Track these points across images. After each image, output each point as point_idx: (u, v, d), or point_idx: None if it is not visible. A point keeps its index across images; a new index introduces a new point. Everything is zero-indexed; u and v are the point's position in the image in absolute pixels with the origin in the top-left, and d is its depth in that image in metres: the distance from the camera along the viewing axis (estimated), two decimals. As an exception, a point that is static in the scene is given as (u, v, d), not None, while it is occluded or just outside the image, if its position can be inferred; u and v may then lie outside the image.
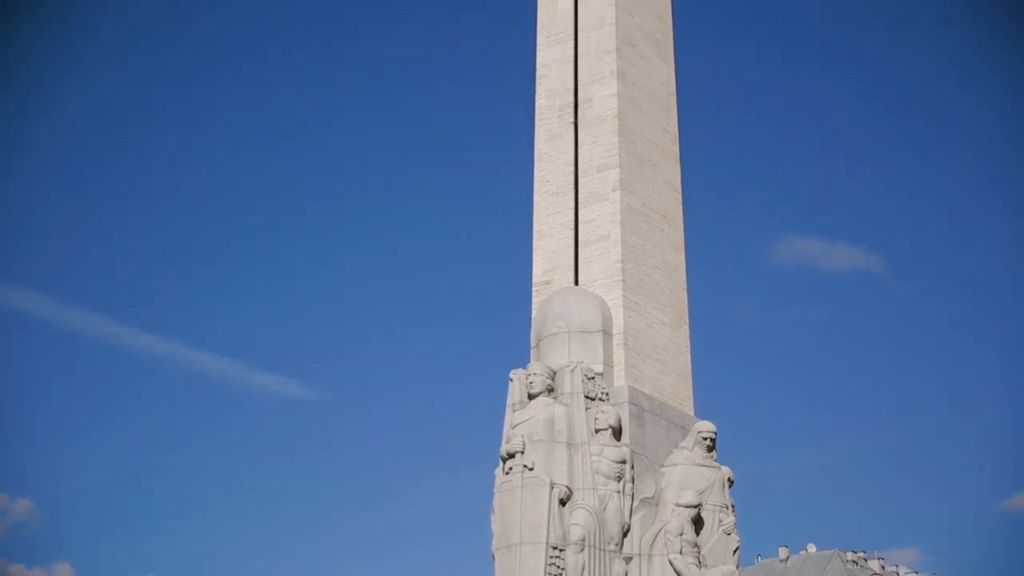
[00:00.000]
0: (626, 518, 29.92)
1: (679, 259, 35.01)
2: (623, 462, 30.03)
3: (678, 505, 30.44)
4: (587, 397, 30.48)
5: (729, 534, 31.17)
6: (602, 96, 34.57)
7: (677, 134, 36.22)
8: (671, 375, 33.48)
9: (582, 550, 28.93)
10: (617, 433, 30.36)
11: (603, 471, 29.75)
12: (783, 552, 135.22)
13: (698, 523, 30.71)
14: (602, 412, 30.33)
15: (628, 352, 32.06)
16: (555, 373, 30.84)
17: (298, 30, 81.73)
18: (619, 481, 29.92)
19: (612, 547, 29.53)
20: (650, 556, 30.10)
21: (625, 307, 32.44)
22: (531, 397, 30.55)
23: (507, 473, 29.78)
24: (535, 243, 34.48)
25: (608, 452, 29.94)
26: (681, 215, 35.50)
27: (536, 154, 35.28)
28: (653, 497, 30.70)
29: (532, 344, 32.54)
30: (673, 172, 35.66)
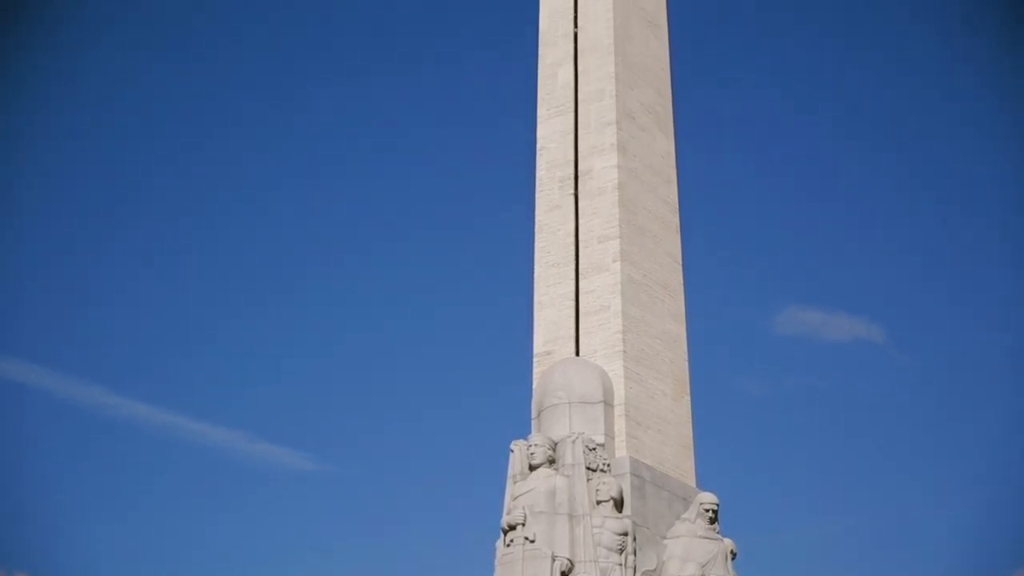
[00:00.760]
0: (628, 591, 29.61)
1: (680, 329, 35.01)
2: (625, 534, 29.81)
3: (681, 578, 30.17)
4: (588, 468, 30.32)
5: (731, 607, 30.85)
6: (602, 168, 34.80)
7: (677, 205, 36.39)
8: (673, 446, 33.34)
9: (584, 623, 28.64)
10: (619, 505, 30.16)
11: (605, 543, 29.51)
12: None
13: (701, 596, 30.40)
14: (604, 483, 30.15)
15: (629, 423, 31.95)
16: (556, 444, 30.71)
17: (297, 103, 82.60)
18: (621, 553, 29.66)
19: (614, 620, 29.22)
20: (653, 630, 29.79)
21: (626, 378, 32.39)
22: (532, 468, 30.39)
23: (508, 545, 29.56)
24: (536, 314, 34.51)
25: (610, 524, 29.72)
26: (682, 285, 35.56)
27: (537, 225, 35.43)
28: (655, 570, 30.41)
29: (533, 415, 32.44)
30: (673, 243, 35.78)
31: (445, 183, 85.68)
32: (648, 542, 30.56)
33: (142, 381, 77.82)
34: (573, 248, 34.51)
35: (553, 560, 28.87)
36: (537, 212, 35.54)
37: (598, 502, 29.94)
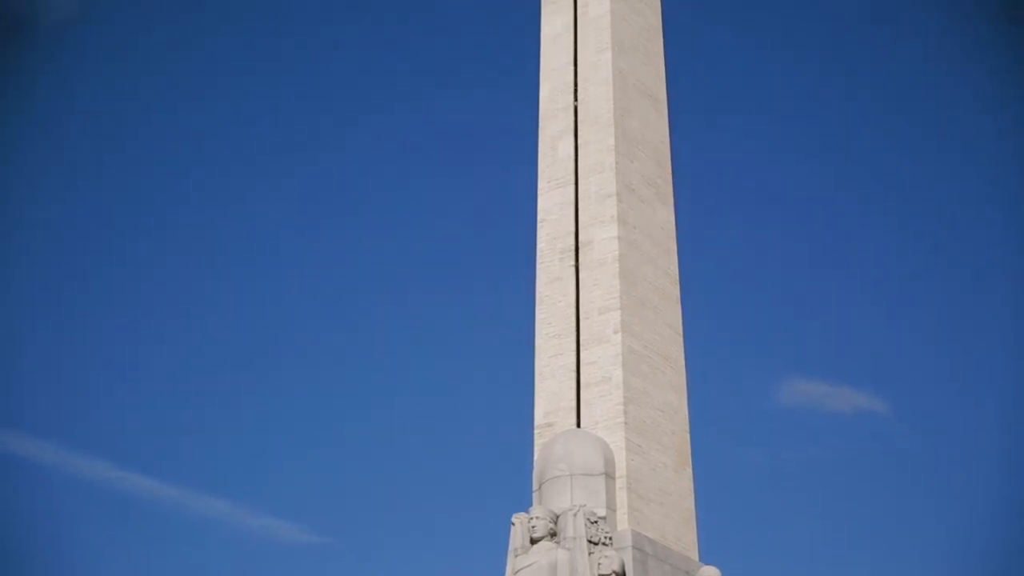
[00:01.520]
0: (631, 667, 29.26)
1: (681, 401, 34.91)
2: (627, 608, 29.50)
3: (684, 653, 29.82)
4: (590, 542, 30.07)
5: None
6: (603, 239, 34.92)
7: (678, 277, 36.47)
8: (675, 519, 33.09)
9: None
10: (621, 578, 29.87)
11: (607, 617, 29.20)
12: None
13: (704, 672, 30.03)
14: (605, 557, 29.88)
15: (631, 495, 31.74)
16: (558, 517, 30.48)
17: (300, 178, 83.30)
18: (624, 627, 29.34)
19: None
20: None
21: (628, 450, 32.23)
22: (533, 542, 30.14)
23: (510, 620, 29.24)
24: (536, 385, 34.43)
25: (612, 598, 29.43)
26: (683, 357, 35.52)
27: (537, 296, 35.48)
28: (658, 645, 30.08)
29: (534, 487, 32.24)
30: (674, 314, 35.80)
31: (445, 254, 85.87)
32: (651, 617, 30.23)
33: (143, 455, 77.46)
34: (574, 319, 34.52)
35: (555, 635, 28.53)
36: (538, 283, 35.61)
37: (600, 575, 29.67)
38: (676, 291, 36.25)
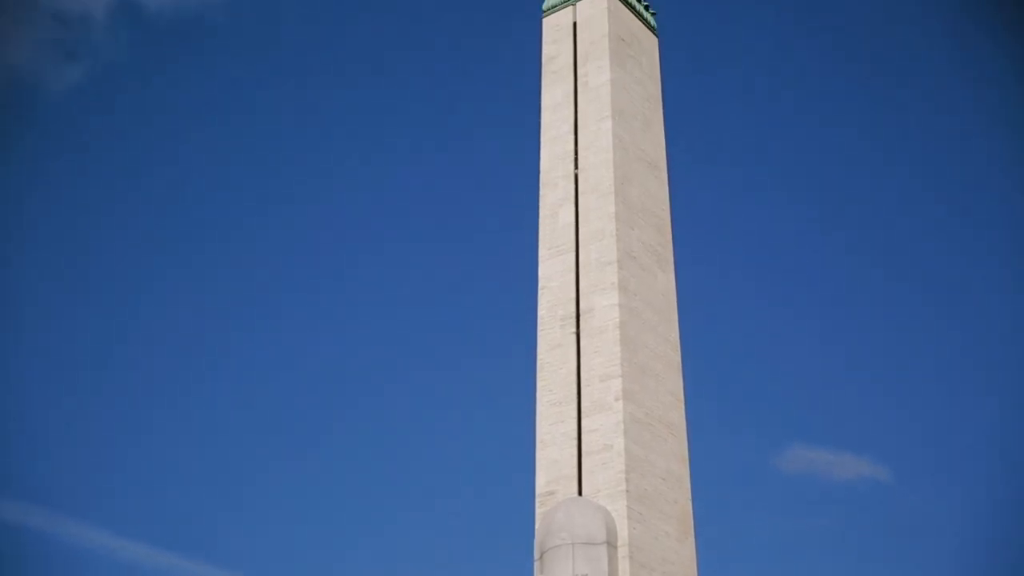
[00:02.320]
0: None
1: (683, 469, 34.73)
2: None
3: None
4: (592, 612, 29.78)
5: None
6: (604, 307, 34.95)
7: (679, 344, 36.44)
8: (678, 588, 32.78)
9: None
10: (623, 649, 29.55)
11: None
12: None
13: None
14: (608, 627, 29.58)
15: (633, 565, 31.48)
16: (559, 587, 30.21)
17: (308, 256, 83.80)
18: None
19: None
20: None
21: (629, 518, 32.02)
22: (535, 612, 29.85)
23: None
24: (538, 453, 34.28)
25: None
26: (684, 424, 35.40)
27: (538, 363, 35.43)
28: None
29: (536, 556, 31.99)
30: (675, 381, 35.72)
31: (446, 319, 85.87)
32: None
33: (143, 522, 76.94)
34: (575, 387, 34.46)
35: None
36: (539, 350, 35.57)
37: (602, 647, 29.35)
38: (677, 358, 36.21)
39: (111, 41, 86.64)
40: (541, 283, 36.47)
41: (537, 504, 33.48)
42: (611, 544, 31.36)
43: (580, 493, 32.88)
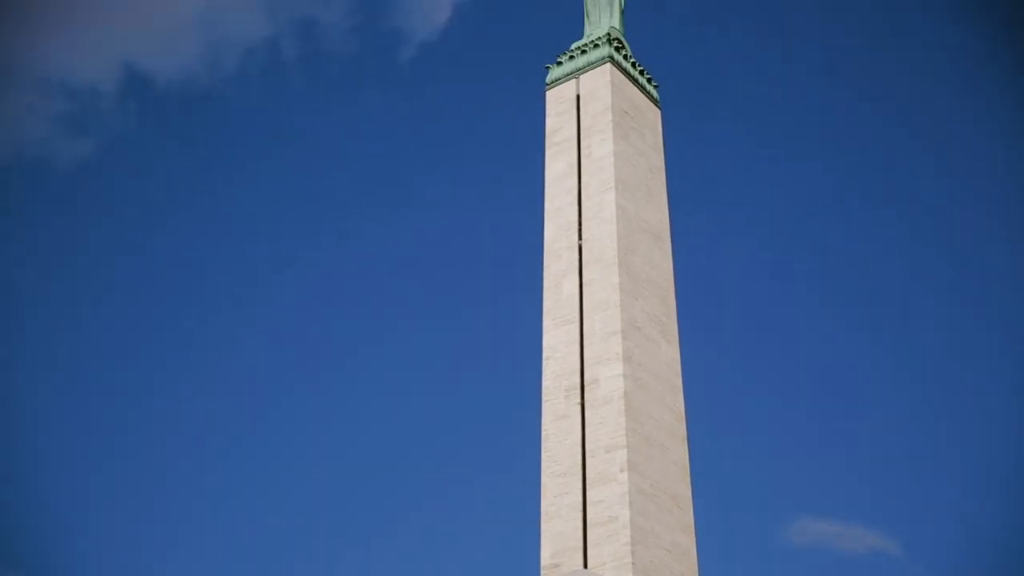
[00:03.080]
0: None
1: (690, 541, 34.43)
2: None
3: None
4: None
5: None
6: (608, 377, 34.87)
7: (684, 414, 36.31)
8: (685, 663, 32.40)
9: None
10: None
11: None
12: None
13: None
14: None
15: (640, 638, 31.13)
16: (565, 661, 29.87)
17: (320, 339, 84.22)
18: None
19: None
20: None
21: (636, 591, 31.71)
22: None
23: None
24: (543, 525, 34.01)
25: None
26: (690, 496, 35.15)
27: (543, 434, 35.28)
28: None
29: (541, 630, 31.66)
30: (681, 453, 35.54)
31: (451, 390, 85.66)
32: None
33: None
34: (580, 458, 34.28)
35: None
36: (544, 421, 35.44)
37: None
38: (683, 429, 36.05)
39: (120, 114, 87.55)
40: (546, 353, 36.45)
41: (542, 577, 33.18)
42: (617, 617, 31.06)
43: (585, 565, 32.59)
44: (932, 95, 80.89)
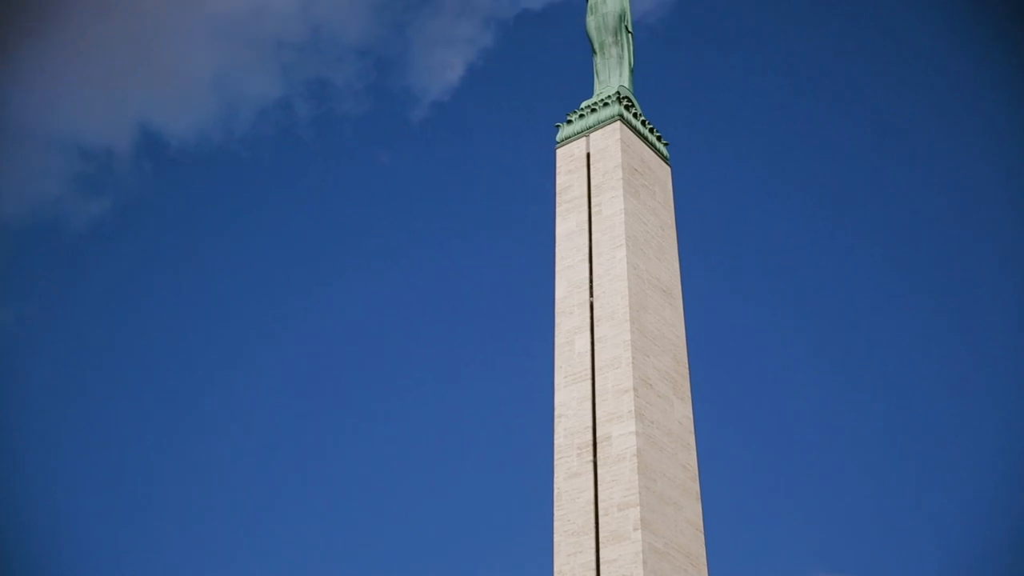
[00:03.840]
0: None
1: (704, 600, 34.16)
2: None
3: None
4: None
5: None
6: (620, 435, 34.77)
7: (697, 472, 36.13)
8: None
9: None
10: None
11: None
12: None
13: None
14: None
15: None
16: None
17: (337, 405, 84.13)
18: None
19: None
20: None
21: (650, 652, 31.40)
22: None
23: None
24: (556, 584, 33.78)
25: None
26: (704, 554, 34.90)
27: (555, 492, 35.12)
28: None
29: None
30: (695, 511, 35.33)
31: (463, 449, 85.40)
32: None
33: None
34: (593, 516, 34.09)
35: None
36: (556, 479, 35.29)
37: None
38: (696, 487, 35.86)
39: (135, 174, 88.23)
40: (558, 411, 36.37)
41: (555, 637, 32.90)
42: None
43: (599, 626, 32.32)
44: (956, 152, 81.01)
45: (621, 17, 43.92)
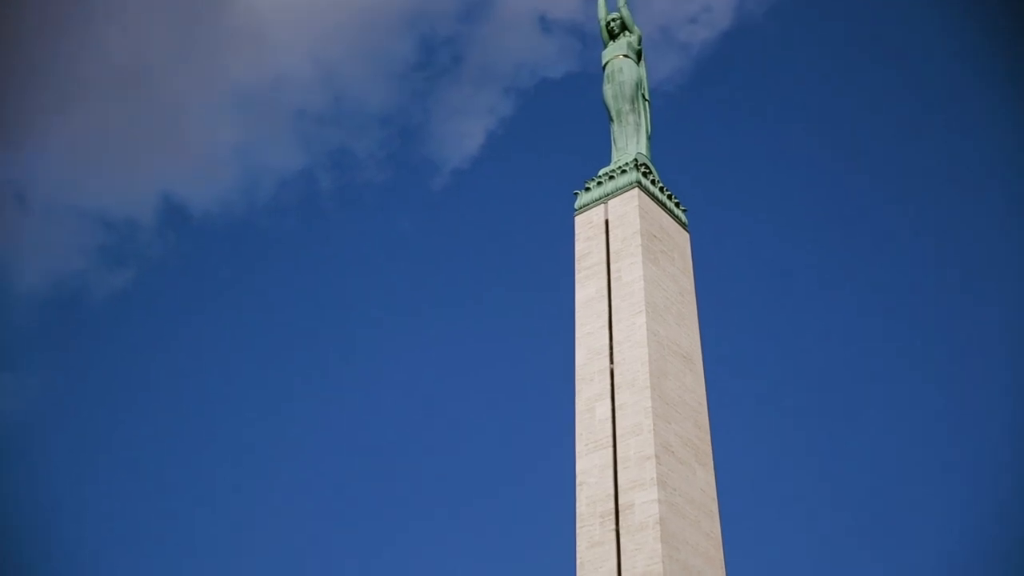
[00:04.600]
0: None
1: (730, 671, 33.70)
2: None
3: None
4: None
5: None
6: (643, 503, 34.49)
7: (721, 539, 35.79)
8: None
9: None
10: None
11: None
12: None
13: None
14: None
15: None
16: None
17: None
18: None
19: None
20: None
21: None
22: None
23: None
24: (580, 656, 33.38)
25: None
26: (729, 624, 34.50)
27: (578, 562, 34.79)
28: None
29: None
30: (719, 579, 34.96)
31: (483, 519, 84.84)
32: None
33: None
34: (616, 586, 33.73)
35: None
36: (578, 548, 34.97)
37: None
38: (720, 555, 35.49)
39: (158, 245, 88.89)
40: (579, 479, 36.13)
41: None
42: None
43: None
44: (974, 222, 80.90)
45: (638, 85, 44.27)
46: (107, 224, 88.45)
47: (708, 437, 37.63)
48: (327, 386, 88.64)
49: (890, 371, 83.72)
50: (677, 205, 42.45)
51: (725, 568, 35.41)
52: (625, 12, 46.04)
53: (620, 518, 34.73)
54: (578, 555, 34.89)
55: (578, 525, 35.38)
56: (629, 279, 38.69)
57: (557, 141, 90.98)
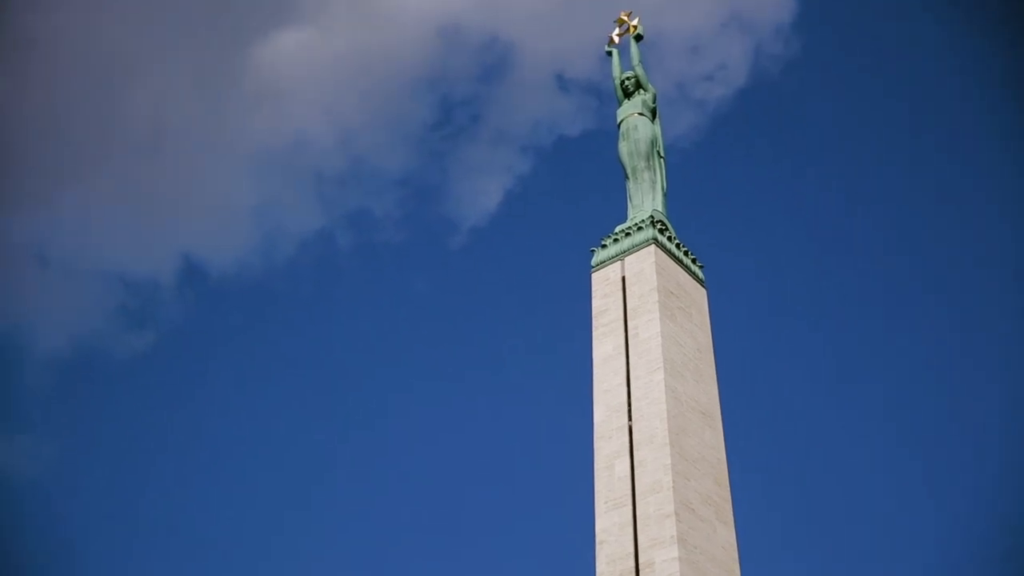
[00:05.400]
0: None
1: None
2: None
3: None
4: None
5: None
6: (663, 561, 34.18)
7: (742, 598, 35.44)
8: None
9: None
10: None
11: None
12: None
13: None
14: None
15: None
16: None
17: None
18: None
19: None
20: None
21: None
22: None
23: None
24: None
25: None
26: None
27: (599, 622, 34.47)
28: None
29: None
30: (741, 638, 34.57)
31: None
32: None
33: None
34: (637, 646, 33.37)
35: None
36: (599, 608, 34.65)
37: None
38: (742, 613, 35.14)
39: (178, 305, 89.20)
40: (599, 538, 35.86)
41: None
42: None
43: None
44: (992, 280, 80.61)
45: (653, 142, 44.47)
46: (126, 284, 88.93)
47: (728, 494, 37.35)
48: (346, 450, 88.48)
49: (911, 423, 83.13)
50: (694, 261, 42.44)
51: (747, 627, 35.04)
52: (640, 71, 46.33)
53: (640, 577, 34.40)
54: (599, 615, 34.57)
55: (599, 586, 35.09)
56: (647, 336, 38.62)
57: (574, 198, 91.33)
